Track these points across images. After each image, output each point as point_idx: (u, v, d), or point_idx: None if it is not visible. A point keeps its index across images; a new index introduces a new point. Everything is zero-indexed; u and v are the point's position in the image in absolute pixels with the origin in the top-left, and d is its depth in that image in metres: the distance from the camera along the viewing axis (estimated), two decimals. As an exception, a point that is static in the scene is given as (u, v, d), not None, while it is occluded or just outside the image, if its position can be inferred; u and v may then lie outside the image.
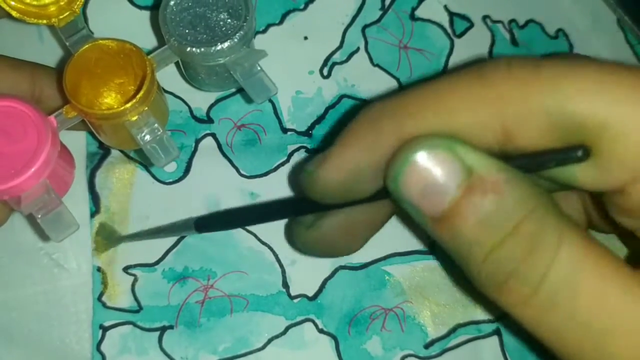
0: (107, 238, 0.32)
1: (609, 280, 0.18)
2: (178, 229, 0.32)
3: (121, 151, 0.33)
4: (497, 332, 0.33)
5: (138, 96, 0.27)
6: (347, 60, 0.35)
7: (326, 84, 0.34)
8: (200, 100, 0.34)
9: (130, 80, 0.30)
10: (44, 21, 0.29)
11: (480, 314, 0.33)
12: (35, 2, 0.28)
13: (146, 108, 0.28)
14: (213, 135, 0.33)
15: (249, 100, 0.33)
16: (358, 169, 0.21)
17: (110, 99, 0.30)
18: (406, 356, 0.33)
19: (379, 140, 0.20)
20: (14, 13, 0.28)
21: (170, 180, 0.33)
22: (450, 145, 0.18)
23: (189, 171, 0.33)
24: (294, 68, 0.34)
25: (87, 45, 0.28)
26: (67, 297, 0.32)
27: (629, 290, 0.18)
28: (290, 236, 0.30)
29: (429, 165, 0.18)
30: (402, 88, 0.35)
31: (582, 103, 0.18)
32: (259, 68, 0.29)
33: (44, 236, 0.29)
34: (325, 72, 0.34)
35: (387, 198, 0.21)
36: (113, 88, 0.30)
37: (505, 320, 0.33)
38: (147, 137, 0.28)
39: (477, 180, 0.18)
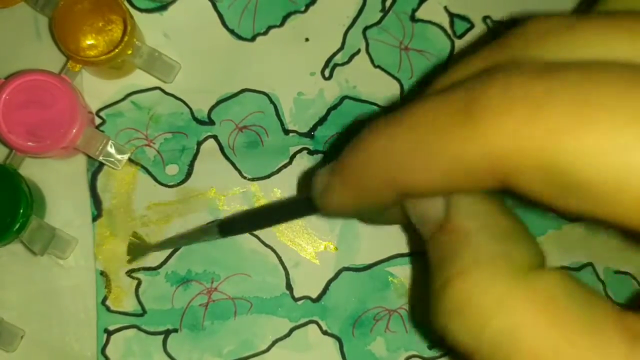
0: (136, 250, 0.32)
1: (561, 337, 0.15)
2: (201, 236, 0.31)
3: (123, 153, 0.33)
4: (500, 332, 0.33)
5: (128, 30, 0.30)
6: (348, 62, 0.35)
7: (328, 85, 0.34)
8: (201, 102, 0.34)
9: (99, 18, 0.32)
10: None
11: (483, 314, 0.33)
12: None
13: (135, 40, 0.31)
14: (215, 137, 0.33)
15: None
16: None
17: (90, 39, 0.32)
18: (410, 357, 0.33)
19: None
20: None
21: (172, 183, 0.33)
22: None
23: (191, 174, 0.33)
24: (296, 69, 0.34)
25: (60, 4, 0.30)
26: (66, 297, 0.32)
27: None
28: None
29: (424, 206, 0.20)
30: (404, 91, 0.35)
31: None
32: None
33: None
34: (326, 73, 0.34)
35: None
36: (88, 30, 0.32)
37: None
38: (149, 61, 0.32)
39: (447, 223, 0.19)
